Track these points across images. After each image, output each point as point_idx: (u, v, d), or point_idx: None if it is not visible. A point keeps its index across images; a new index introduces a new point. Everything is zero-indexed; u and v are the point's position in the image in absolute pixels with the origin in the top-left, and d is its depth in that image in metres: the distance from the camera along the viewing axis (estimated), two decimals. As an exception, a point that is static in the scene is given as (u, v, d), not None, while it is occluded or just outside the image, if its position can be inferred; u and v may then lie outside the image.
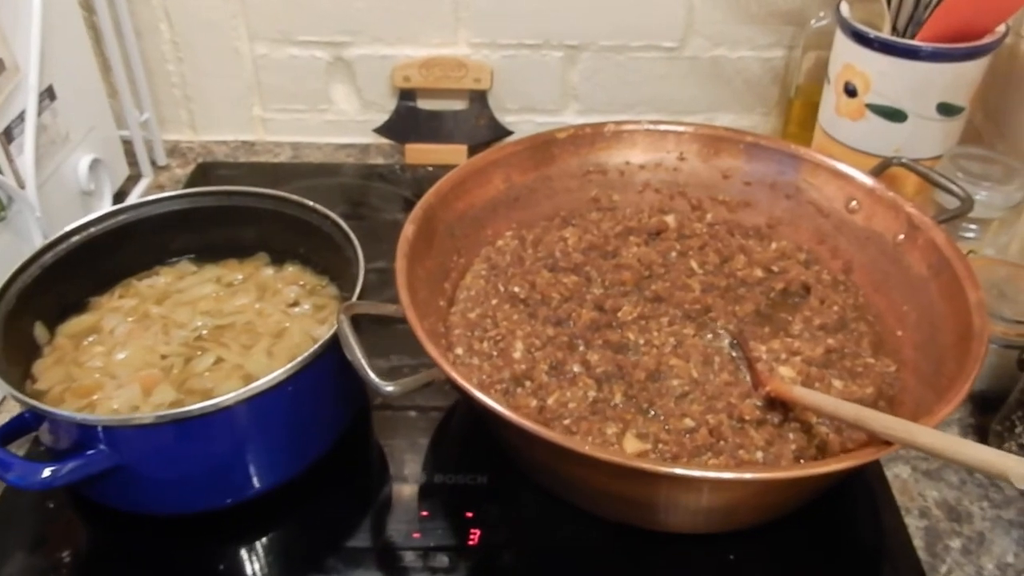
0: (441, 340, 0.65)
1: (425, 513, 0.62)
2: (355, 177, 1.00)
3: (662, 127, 0.78)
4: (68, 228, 0.68)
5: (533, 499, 0.62)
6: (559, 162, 0.78)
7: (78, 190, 0.84)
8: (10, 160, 0.73)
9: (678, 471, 0.49)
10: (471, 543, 0.60)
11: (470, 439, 0.68)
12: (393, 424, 0.69)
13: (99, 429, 0.54)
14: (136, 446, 0.55)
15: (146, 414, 0.53)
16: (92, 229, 0.69)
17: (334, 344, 0.58)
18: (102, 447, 0.54)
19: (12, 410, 0.70)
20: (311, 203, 0.70)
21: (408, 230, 0.66)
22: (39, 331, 0.66)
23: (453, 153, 0.98)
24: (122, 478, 0.56)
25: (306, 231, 0.70)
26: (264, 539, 0.61)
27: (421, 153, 0.99)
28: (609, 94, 1.00)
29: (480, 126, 0.99)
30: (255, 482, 0.60)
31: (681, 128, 0.78)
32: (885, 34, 0.75)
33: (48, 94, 0.79)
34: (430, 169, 0.99)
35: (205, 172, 1.00)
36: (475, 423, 0.69)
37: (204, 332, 0.67)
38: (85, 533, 0.62)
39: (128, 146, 0.96)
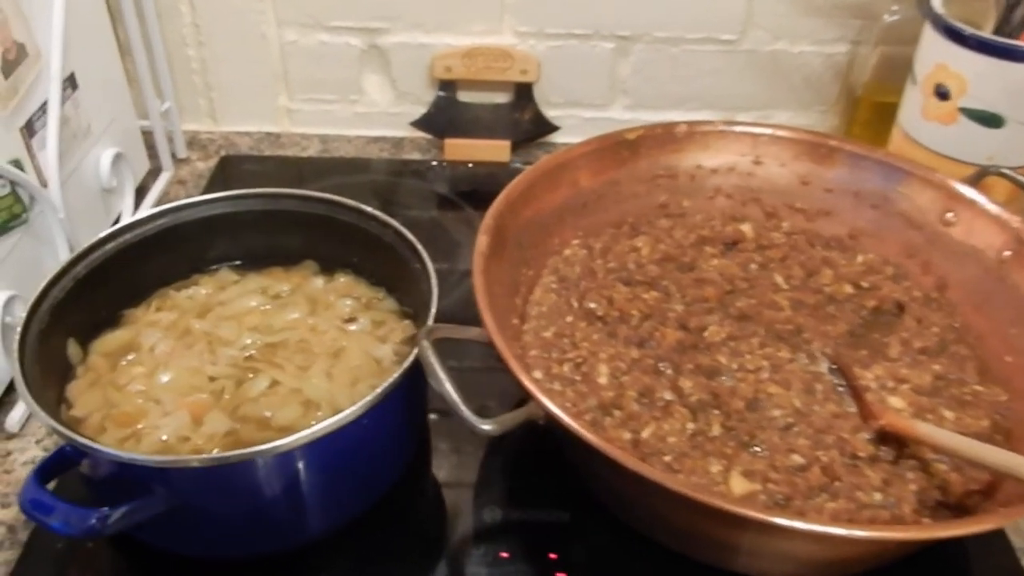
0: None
1: (505, 554, 0.56)
2: (387, 173, 0.94)
3: (737, 128, 0.73)
4: (102, 235, 0.61)
5: (622, 538, 0.56)
6: (628, 165, 0.73)
7: (99, 188, 0.78)
8: (32, 156, 0.67)
9: (834, 531, 0.44)
10: (558, 589, 0.55)
11: (540, 466, 0.62)
12: (445, 448, 0.64)
13: (157, 470, 0.48)
14: (196, 487, 0.49)
15: (220, 453, 0.47)
16: (127, 236, 0.63)
17: (409, 371, 0.52)
18: (158, 488, 0.49)
19: (35, 433, 0.64)
20: (370, 209, 0.64)
21: (482, 242, 0.60)
22: (72, 349, 0.59)
23: (495, 149, 0.92)
24: (174, 519, 0.50)
25: (361, 239, 0.64)
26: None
27: (461, 148, 0.93)
28: (659, 89, 0.94)
29: (524, 120, 0.93)
30: (319, 523, 0.55)
31: (758, 130, 0.73)
32: (986, 33, 0.70)
33: (70, 83, 0.72)
34: (470, 166, 0.93)
35: (229, 166, 0.93)
36: (543, 447, 0.64)
37: (254, 351, 0.61)
38: (128, 576, 0.56)
39: (147, 137, 0.89)
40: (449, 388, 0.48)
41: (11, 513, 0.58)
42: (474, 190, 0.91)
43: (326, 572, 0.56)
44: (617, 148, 0.72)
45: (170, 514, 0.50)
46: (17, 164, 0.64)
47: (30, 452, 0.63)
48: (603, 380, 0.58)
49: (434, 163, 0.94)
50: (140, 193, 0.86)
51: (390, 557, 0.56)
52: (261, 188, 0.66)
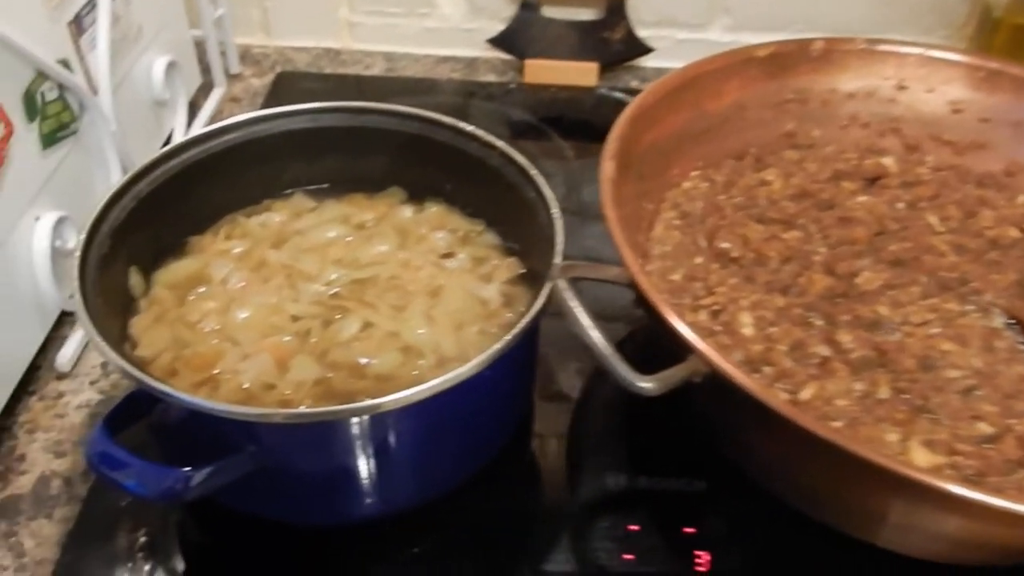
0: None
1: (634, 527, 0.49)
2: (458, 95, 0.85)
3: (882, 47, 0.64)
4: (167, 149, 0.53)
5: (767, 511, 0.49)
6: (756, 86, 0.63)
7: (150, 100, 0.69)
8: (81, 57, 0.58)
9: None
10: (699, 568, 0.47)
11: (664, 424, 0.54)
12: (552, 403, 0.56)
13: (254, 425, 0.40)
14: (295, 444, 0.42)
15: (331, 407, 0.39)
16: (194, 151, 0.54)
17: (538, 316, 0.44)
18: (248, 446, 0.41)
19: (89, 372, 0.57)
20: (471, 128, 0.55)
21: (608, 168, 0.52)
22: (134, 279, 0.52)
23: (581, 72, 0.83)
24: (259, 479, 0.43)
25: (459, 164, 0.56)
26: (431, 558, 0.48)
27: (543, 71, 0.84)
28: (764, 8, 0.85)
29: (615, 41, 0.83)
30: (421, 489, 0.47)
31: (906, 49, 0.64)
32: None
33: (120, -24, 0.63)
34: (552, 90, 0.84)
35: (285, 84, 0.84)
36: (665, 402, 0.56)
37: (340, 288, 0.53)
38: (201, 542, 0.49)
39: (197, 51, 0.80)
40: (598, 337, 0.40)
41: (67, 463, 0.51)
42: (556, 117, 0.82)
43: (425, 546, 0.49)
44: (746, 66, 0.63)
45: (256, 474, 0.42)
46: (65, 65, 0.56)
47: (84, 395, 0.55)
48: (748, 331, 0.50)
49: (512, 86, 0.85)
50: (191, 111, 0.77)
51: (500, 529, 0.49)
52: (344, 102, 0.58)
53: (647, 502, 0.50)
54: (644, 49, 0.84)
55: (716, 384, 0.42)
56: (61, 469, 0.51)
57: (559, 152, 0.77)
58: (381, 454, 0.43)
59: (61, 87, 0.55)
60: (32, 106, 0.52)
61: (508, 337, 0.42)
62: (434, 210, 0.59)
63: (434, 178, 0.58)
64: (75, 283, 0.44)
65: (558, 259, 0.46)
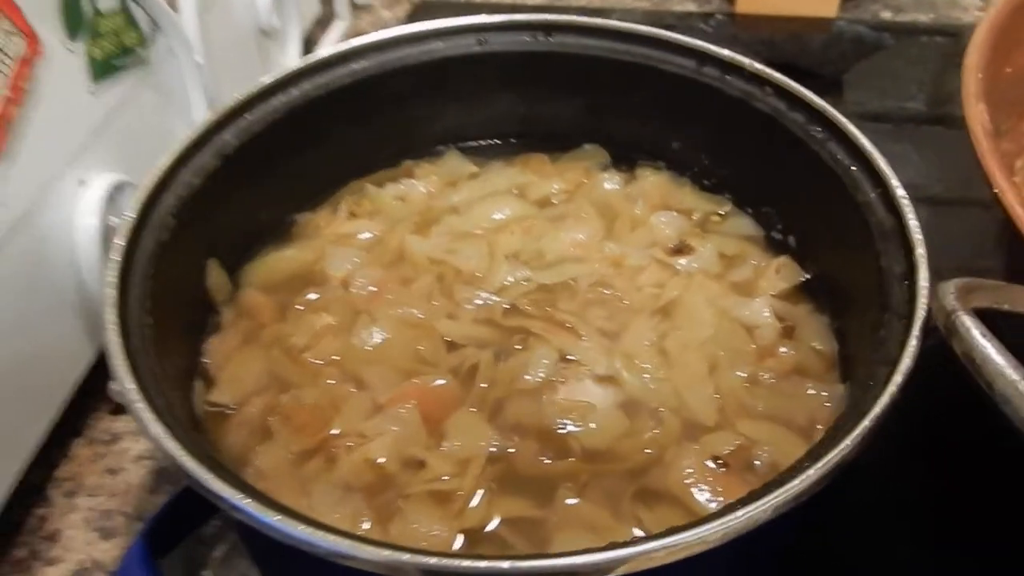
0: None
1: None
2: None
3: None
4: (264, 83, 0.35)
5: None
6: None
7: (253, 28, 0.52)
8: (155, -44, 0.41)
9: None
10: None
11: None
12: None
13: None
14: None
15: (544, 562, 0.21)
16: (303, 86, 0.37)
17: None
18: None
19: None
20: (727, 53, 0.36)
21: (979, 114, 0.32)
22: (214, 277, 0.34)
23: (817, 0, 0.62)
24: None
25: (700, 108, 0.37)
26: None
27: (763, -3, 0.63)
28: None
29: (866, -46, 0.62)
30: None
31: None
32: None
33: None
34: (774, 23, 0.63)
35: (424, 17, 0.65)
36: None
37: (520, 297, 0.34)
38: None
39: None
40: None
41: (116, 549, 0.35)
42: (783, 59, 0.61)
43: None
44: None
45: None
46: (131, -35, 0.39)
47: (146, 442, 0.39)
48: None
49: (719, 17, 0.64)
50: (305, 48, 0.60)
51: None
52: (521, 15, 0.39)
53: None
54: (906, -34, 0.62)
55: None
56: (107, 559, 0.34)
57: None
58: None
59: (122, -7, 0.38)
60: (75, 16, 0.36)
61: (877, 409, 0.22)
62: (652, 179, 0.39)
63: (654, 131, 0.40)
64: (109, 291, 0.27)
65: (924, 272, 0.26)
